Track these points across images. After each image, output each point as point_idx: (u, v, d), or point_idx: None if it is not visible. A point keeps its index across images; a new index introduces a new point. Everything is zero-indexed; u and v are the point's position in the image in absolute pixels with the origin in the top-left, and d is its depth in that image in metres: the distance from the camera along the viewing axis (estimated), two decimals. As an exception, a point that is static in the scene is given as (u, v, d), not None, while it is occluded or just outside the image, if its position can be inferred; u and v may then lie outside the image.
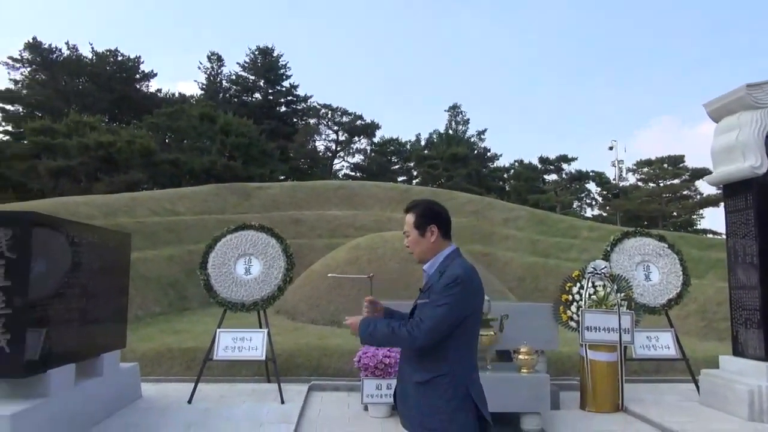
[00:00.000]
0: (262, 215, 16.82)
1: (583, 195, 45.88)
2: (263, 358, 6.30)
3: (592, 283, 6.47)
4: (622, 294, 6.43)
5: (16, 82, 38.69)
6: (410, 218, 2.61)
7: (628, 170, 43.71)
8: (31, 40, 38.39)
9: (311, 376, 7.37)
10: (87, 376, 5.21)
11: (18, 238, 4.10)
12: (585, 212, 45.30)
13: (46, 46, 38.85)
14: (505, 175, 46.47)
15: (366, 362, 5.83)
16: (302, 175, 40.23)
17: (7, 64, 38.52)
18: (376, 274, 3.32)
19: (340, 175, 45.71)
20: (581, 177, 43.57)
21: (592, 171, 43.61)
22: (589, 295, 6.40)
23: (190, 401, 6.02)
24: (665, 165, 40.49)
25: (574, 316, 6.38)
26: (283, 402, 6.05)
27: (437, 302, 2.37)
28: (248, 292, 6.51)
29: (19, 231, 4.11)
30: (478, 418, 2.41)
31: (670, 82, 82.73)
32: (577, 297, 6.45)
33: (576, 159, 44.70)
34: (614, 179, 43.38)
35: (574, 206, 44.15)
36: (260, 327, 6.73)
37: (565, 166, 44.27)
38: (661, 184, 40.97)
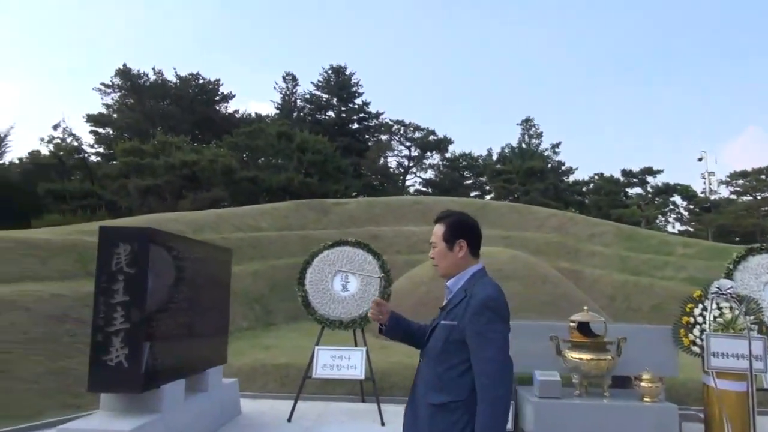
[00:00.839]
0: (341, 231, 16.88)
1: (667, 209, 43.49)
2: (362, 377, 6.14)
3: (717, 304, 5.90)
4: (752, 317, 5.82)
5: (107, 106, 41.43)
6: (439, 229, 2.39)
7: (720, 182, 41.05)
8: (121, 67, 40.95)
9: (405, 397, 7.12)
10: (194, 392, 5.21)
11: (136, 254, 4.14)
12: (670, 227, 42.95)
13: (134, 72, 41.29)
14: (584, 189, 44.85)
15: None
16: (374, 191, 40.44)
17: (100, 89, 41.30)
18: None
19: (411, 191, 45.60)
20: (667, 190, 41.29)
21: (678, 184, 41.35)
22: (714, 317, 5.84)
23: (289, 419, 5.93)
24: (763, 176, 37.65)
25: (697, 340, 5.84)
26: (383, 424, 5.85)
27: (486, 335, 2.13)
28: (346, 310, 6.38)
29: (137, 246, 4.15)
30: None
31: (756, 91, 77.75)
32: (699, 320, 5.91)
33: (662, 171, 42.58)
34: (703, 192, 40.87)
35: (658, 221, 41.91)
36: (355, 345, 6.59)
37: (650, 179, 42.20)
38: (758, 197, 38.11)
